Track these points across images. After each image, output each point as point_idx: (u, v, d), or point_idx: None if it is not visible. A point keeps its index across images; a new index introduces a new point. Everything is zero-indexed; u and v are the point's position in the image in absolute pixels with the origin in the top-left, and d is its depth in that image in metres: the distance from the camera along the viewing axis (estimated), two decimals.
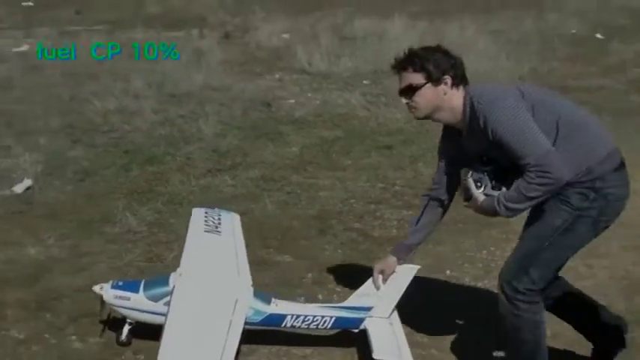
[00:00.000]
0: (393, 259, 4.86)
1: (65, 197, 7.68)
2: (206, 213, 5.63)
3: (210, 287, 4.81)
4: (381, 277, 4.86)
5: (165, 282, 4.83)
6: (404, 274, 4.92)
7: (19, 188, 7.78)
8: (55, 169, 8.42)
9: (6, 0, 26.23)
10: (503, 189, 3.98)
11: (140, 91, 11.59)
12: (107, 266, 6.24)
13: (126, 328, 4.99)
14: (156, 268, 6.13)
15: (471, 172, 4.08)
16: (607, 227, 4.19)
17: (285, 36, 16.98)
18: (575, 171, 3.92)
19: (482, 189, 4.04)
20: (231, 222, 5.66)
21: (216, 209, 5.79)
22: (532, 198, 3.87)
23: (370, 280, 4.93)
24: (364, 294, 4.94)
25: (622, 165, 4.08)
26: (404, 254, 4.83)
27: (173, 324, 4.38)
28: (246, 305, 4.73)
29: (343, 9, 19.87)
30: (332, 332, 5.03)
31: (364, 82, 12.84)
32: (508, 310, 4.17)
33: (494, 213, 4.04)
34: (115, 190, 7.93)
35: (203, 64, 13.66)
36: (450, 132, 4.33)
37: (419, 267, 5.04)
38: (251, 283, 4.98)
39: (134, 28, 18.13)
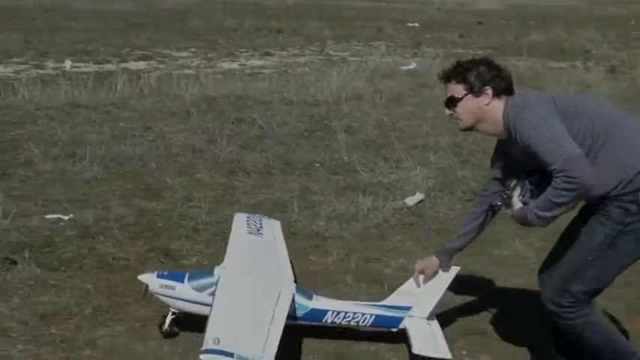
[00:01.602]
0: (435, 260, 4.87)
1: (454, 214, 7.84)
2: (248, 217, 5.80)
3: (253, 280, 4.87)
4: (422, 276, 4.89)
5: (210, 274, 4.92)
6: (445, 275, 4.92)
7: (410, 201, 8.07)
8: (445, 186, 8.65)
9: (394, 20, 27.65)
10: None
11: None
12: None
13: (169, 318, 5.02)
14: None
15: (515, 181, 4.08)
16: None
17: None
18: (615, 181, 3.81)
19: (521, 197, 4.03)
20: (272, 227, 5.80)
21: (257, 215, 5.98)
22: (560, 204, 3.78)
23: (411, 279, 4.97)
24: (404, 293, 4.99)
25: None
26: (446, 257, 4.84)
27: (218, 313, 4.37)
28: (288, 298, 4.66)
29: None
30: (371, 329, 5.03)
31: None
32: (562, 324, 4.15)
33: (525, 221, 4.00)
34: None
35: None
36: (501, 141, 4.26)
37: (459, 268, 4.98)
38: (293, 279, 5.03)
39: (518, 55, 18.25)
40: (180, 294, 4.93)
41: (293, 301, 4.79)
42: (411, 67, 17.16)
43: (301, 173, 9.03)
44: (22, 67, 16.19)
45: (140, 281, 5.06)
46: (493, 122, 4.11)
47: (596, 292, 4.15)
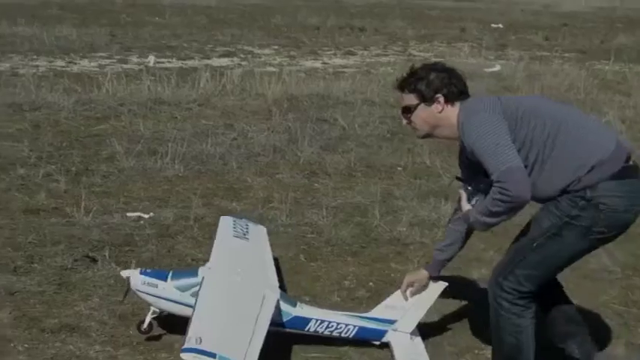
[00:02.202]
0: (424, 273, 4.85)
1: None
2: (234, 221, 5.72)
3: (237, 282, 4.77)
4: (409, 289, 4.86)
5: (194, 273, 4.81)
6: (431, 290, 4.89)
7: None
8: None
9: (477, 20, 27.26)
10: None
11: None
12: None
13: (149, 317, 4.93)
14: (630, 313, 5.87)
15: (470, 185, 4.12)
16: (606, 240, 4.10)
17: None
18: (565, 182, 3.89)
19: (472, 202, 4.07)
20: (258, 232, 5.75)
21: (243, 219, 5.87)
22: (495, 213, 3.84)
23: (398, 292, 4.93)
24: (390, 306, 4.95)
25: (626, 174, 3.88)
26: (436, 270, 4.82)
27: (200, 314, 4.29)
28: (273, 302, 4.61)
29: None
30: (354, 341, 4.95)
31: None
32: (492, 307, 4.21)
33: (469, 224, 4.15)
34: None
35: None
36: (461, 147, 4.24)
37: (446, 284, 4.93)
38: (277, 284, 4.96)
39: (605, 59, 17.80)
40: (163, 293, 4.83)
41: (277, 307, 4.73)
42: (495, 69, 16.83)
43: (383, 177, 8.88)
44: (107, 61, 16.36)
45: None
46: (449, 127, 4.16)
47: (536, 283, 4.15)
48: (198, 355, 3.94)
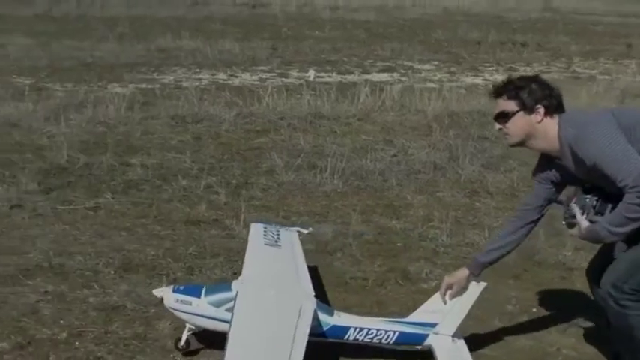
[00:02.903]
0: (464, 273, 4.77)
1: None
2: (265, 228, 5.61)
3: (272, 294, 4.61)
4: (449, 292, 4.77)
5: (227, 288, 4.73)
6: (471, 291, 4.81)
7: None
8: None
9: None
10: (607, 213, 4.00)
11: None
12: None
13: (185, 334, 4.83)
14: None
15: (574, 200, 4.13)
16: None
17: None
18: None
19: (585, 216, 4.07)
20: (290, 237, 5.61)
21: (274, 225, 5.78)
22: (634, 219, 3.83)
23: (437, 294, 4.87)
24: (429, 309, 4.86)
25: None
26: (477, 270, 4.75)
27: (238, 330, 4.17)
28: (310, 312, 4.45)
29: None
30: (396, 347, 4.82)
31: None
32: (618, 312, 4.13)
33: (598, 239, 4.09)
34: None
35: None
36: (547, 158, 4.34)
37: (485, 284, 4.83)
38: (313, 293, 4.78)
39: None
40: (197, 309, 4.74)
41: (315, 317, 4.57)
42: None
43: None
44: (268, 75, 16.58)
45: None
46: (545, 139, 4.21)
47: None
48: None
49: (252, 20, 26.77)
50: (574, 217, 4.17)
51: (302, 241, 6.66)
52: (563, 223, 4.32)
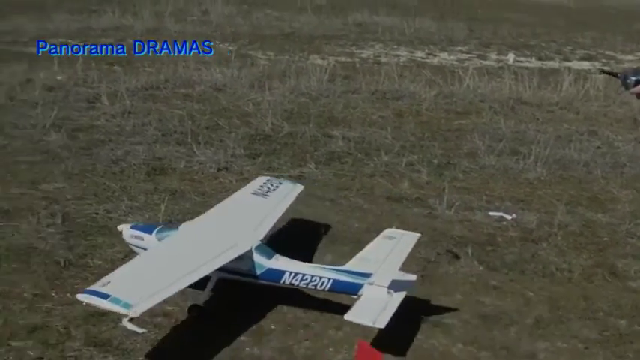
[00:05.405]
0: None
1: None
2: (267, 180, 6.03)
3: (210, 234, 5.09)
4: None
5: (175, 228, 5.23)
6: (406, 241, 4.96)
7: None
8: None
9: None
10: None
11: None
12: None
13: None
14: None
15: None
16: None
17: None
18: None
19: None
20: (287, 190, 5.92)
21: (281, 179, 6.21)
22: None
23: (372, 242, 5.00)
24: (364, 258, 4.90)
25: None
26: None
27: (137, 260, 4.79)
28: (241, 250, 4.87)
29: None
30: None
31: None
32: None
33: None
34: None
35: None
36: None
37: (419, 235, 5.10)
38: (260, 238, 5.12)
39: None
40: (146, 244, 5.21)
41: (251, 259, 4.91)
42: None
43: None
44: (466, 56, 16.40)
45: None
46: None
47: None
48: (91, 296, 4.18)
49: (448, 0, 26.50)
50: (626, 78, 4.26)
51: (505, 227, 6.66)
52: (622, 88, 4.39)
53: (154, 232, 5.31)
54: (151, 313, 4.78)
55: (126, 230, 5.46)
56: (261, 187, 5.99)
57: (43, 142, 8.47)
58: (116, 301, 4.14)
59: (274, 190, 5.95)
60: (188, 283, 4.52)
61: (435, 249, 6.21)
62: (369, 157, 8.50)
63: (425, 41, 17.67)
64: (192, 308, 5.02)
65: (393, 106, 10.90)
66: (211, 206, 5.82)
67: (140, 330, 4.44)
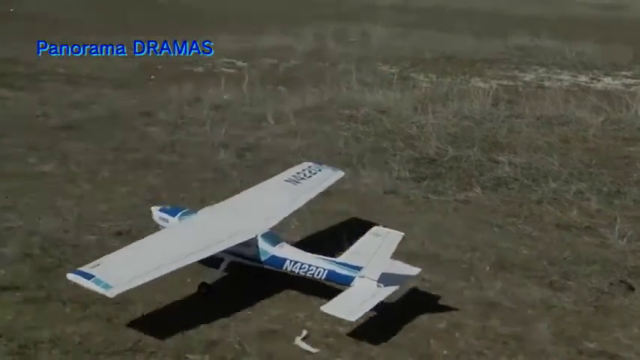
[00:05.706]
0: None
1: None
2: (309, 167, 6.17)
3: (222, 220, 5.50)
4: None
5: (194, 212, 5.54)
6: (391, 239, 5.02)
7: None
8: None
9: None
10: None
11: None
12: None
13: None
14: None
15: None
16: None
17: None
18: None
19: None
20: (325, 177, 6.15)
21: (323, 165, 6.37)
22: None
23: (362, 238, 5.10)
24: (355, 252, 5.08)
25: None
26: None
27: (133, 245, 5.11)
28: (244, 238, 5.25)
29: None
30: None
31: None
32: None
33: None
34: None
35: None
36: None
37: (403, 234, 5.04)
38: (270, 226, 5.47)
39: None
40: (169, 225, 5.65)
41: (256, 246, 5.30)
42: None
43: None
44: (631, 81, 15.90)
45: None
46: None
47: None
48: (78, 276, 4.61)
49: (609, 22, 25.71)
50: None
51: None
52: None
53: (177, 215, 5.90)
54: (324, 333, 4.98)
55: (155, 212, 6.09)
56: (298, 173, 6.41)
57: (213, 160, 8.82)
58: (98, 282, 4.66)
59: (310, 176, 6.36)
60: (171, 270, 4.98)
61: (608, 279, 6.11)
62: (537, 183, 8.43)
63: (588, 65, 17.28)
64: (202, 286, 5.61)
65: (559, 131, 10.75)
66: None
67: (313, 350, 4.78)
